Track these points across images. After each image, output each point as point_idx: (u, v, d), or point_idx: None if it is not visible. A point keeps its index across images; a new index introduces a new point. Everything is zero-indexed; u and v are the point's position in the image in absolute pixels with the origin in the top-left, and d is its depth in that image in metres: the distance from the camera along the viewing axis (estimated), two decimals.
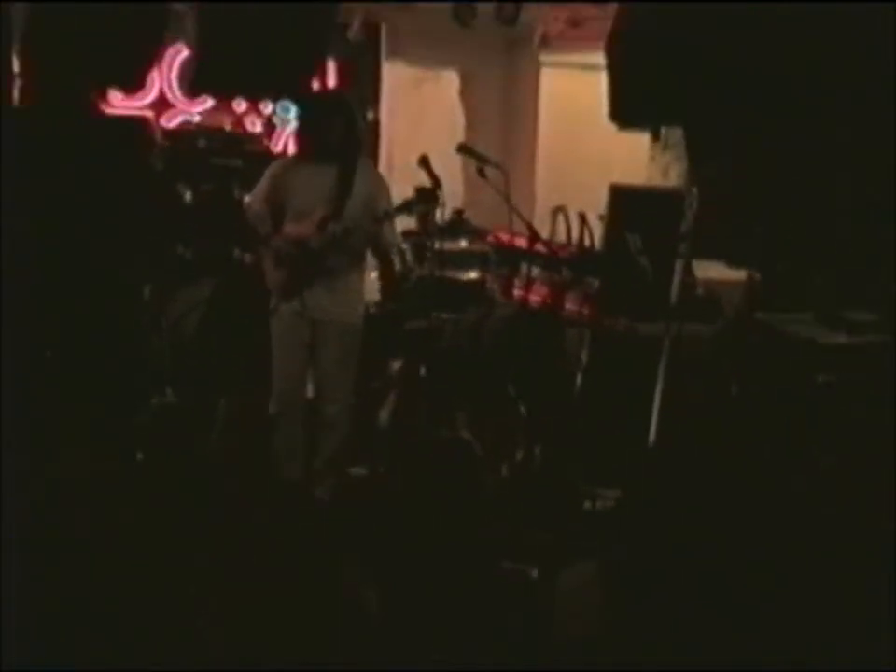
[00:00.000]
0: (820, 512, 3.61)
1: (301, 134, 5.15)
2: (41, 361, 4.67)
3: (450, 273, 6.16)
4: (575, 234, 5.60)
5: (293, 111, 7.63)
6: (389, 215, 4.82)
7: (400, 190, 5.30)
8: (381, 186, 4.95)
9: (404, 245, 6.36)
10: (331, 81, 8.04)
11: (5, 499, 3.01)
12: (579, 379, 5.48)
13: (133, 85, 6.29)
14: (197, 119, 7.58)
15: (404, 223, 6.07)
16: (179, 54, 7.35)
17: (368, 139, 8.36)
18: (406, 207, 4.90)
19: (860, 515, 3.54)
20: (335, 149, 4.80)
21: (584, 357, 5.49)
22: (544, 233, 5.47)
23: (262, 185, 4.95)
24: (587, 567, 3.85)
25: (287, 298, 4.85)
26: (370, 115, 8.43)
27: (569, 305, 5.39)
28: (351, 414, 5.01)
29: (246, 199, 5.06)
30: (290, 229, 4.84)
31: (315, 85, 7.64)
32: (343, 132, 4.79)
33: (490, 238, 6.09)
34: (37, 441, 3.59)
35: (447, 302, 5.71)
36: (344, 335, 4.88)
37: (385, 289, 6.52)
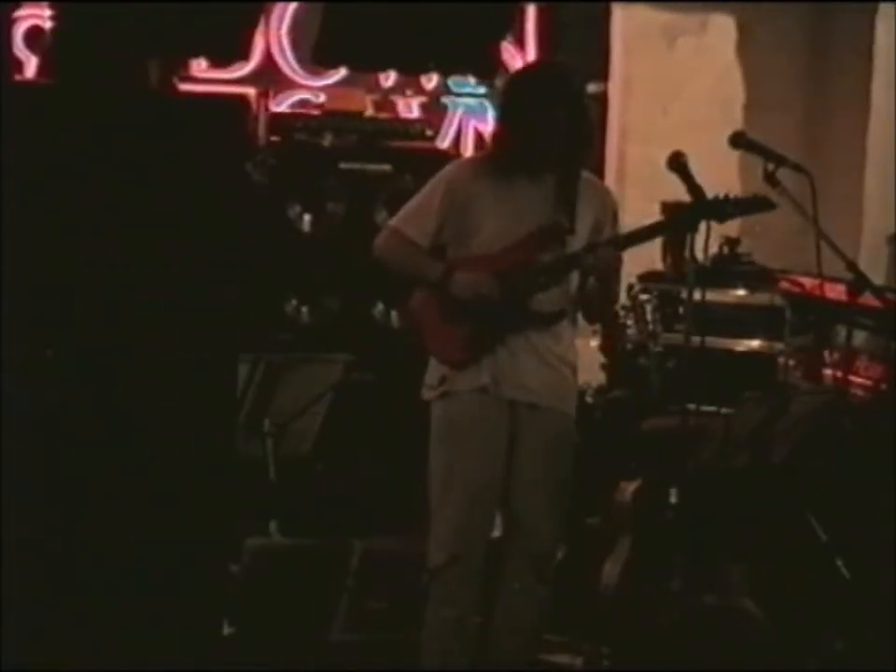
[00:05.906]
0: None
1: (502, 129, 5.20)
2: None
3: (717, 342, 6.19)
4: None
5: (471, 86, 7.87)
6: (618, 242, 4.86)
7: (637, 209, 5.28)
8: (611, 210, 5.05)
9: (643, 297, 6.40)
10: (531, 39, 8.19)
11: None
12: None
13: (229, 52, 6.49)
14: (322, 99, 7.78)
15: (641, 261, 6.03)
16: (291, 4, 7.57)
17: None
18: (653, 231, 4.91)
19: None
20: (555, 153, 4.89)
21: None
22: (877, 276, 5.50)
23: (431, 201, 5.00)
24: None
25: (469, 363, 4.86)
26: (592, 87, 8.47)
27: None
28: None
29: (392, 222, 5.12)
30: (480, 262, 4.89)
31: (508, 50, 7.74)
32: (568, 126, 4.86)
33: (783, 285, 6.13)
34: None
35: (712, 388, 5.60)
36: (558, 435, 4.91)
37: (611, 367, 6.51)
